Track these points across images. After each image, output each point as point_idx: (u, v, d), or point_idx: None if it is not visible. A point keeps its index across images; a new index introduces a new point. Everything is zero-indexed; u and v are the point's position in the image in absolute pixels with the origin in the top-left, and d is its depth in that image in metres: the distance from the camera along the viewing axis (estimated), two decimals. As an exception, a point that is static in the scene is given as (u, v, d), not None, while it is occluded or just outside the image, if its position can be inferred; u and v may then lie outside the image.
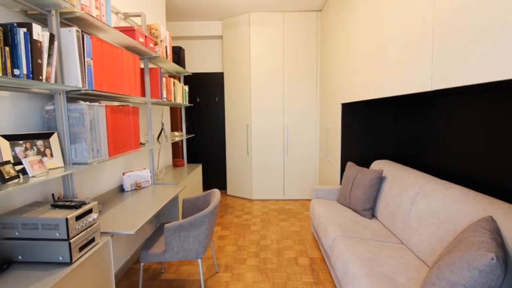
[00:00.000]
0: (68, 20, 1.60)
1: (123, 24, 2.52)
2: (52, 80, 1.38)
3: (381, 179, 2.50)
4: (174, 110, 4.63)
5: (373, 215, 2.48)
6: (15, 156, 1.31)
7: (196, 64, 4.75)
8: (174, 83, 3.04)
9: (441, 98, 2.19)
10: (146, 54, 2.46)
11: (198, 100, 4.82)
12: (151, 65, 2.93)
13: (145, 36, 2.31)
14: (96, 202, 1.45)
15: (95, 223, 1.43)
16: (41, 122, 1.57)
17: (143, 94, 2.51)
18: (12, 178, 1.19)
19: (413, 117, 2.61)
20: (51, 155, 1.47)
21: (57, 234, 1.23)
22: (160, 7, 3.35)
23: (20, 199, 1.43)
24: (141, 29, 2.38)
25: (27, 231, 1.24)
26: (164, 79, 2.75)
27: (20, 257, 1.26)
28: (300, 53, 4.14)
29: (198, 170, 3.66)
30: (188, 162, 4.91)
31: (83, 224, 1.33)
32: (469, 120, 1.88)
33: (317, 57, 4.14)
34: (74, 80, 1.50)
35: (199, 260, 1.95)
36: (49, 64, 1.36)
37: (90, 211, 1.39)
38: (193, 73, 4.76)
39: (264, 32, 4.11)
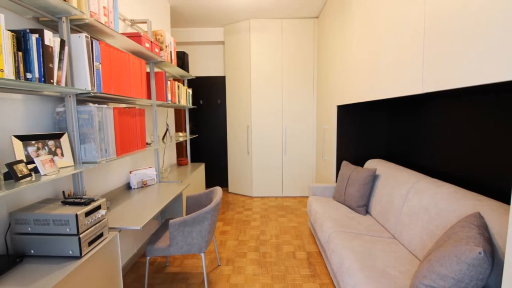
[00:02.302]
0: (78, 26, 1.61)
1: (130, 30, 2.52)
2: (63, 83, 1.38)
3: (374, 177, 2.50)
4: (178, 112, 4.63)
5: (367, 212, 2.48)
6: (27, 156, 1.31)
7: (199, 68, 4.75)
8: (178, 86, 3.04)
9: (432, 100, 2.19)
10: (151, 59, 2.46)
11: (201, 102, 4.82)
12: (156, 69, 2.93)
13: (151, 42, 2.30)
14: (105, 199, 1.45)
15: (103, 219, 1.42)
16: (52, 123, 1.57)
17: (149, 96, 2.51)
18: (24, 176, 1.19)
19: (405, 118, 2.61)
20: (62, 155, 1.47)
21: (68, 230, 1.23)
22: (165, 14, 3.35)
23: (32, 196, 1.43)
24: (147, 35, 2.38)
25: (39, 227, 1.24)
26: (169, 82, 2.75)
27: (32, 251, 1.26)
28: (298, 58, 4.14)
29: (201, 168, 3.66)
30: (192, 161, 4.91)
31: (92, 220, 1.33)
32: (458, 122, 1.88)
33: (314, 62, 4.14)
34: (84, 83, 1.50)
35: (202, 254, 1.95)
36: (59, 68, 1.36)
37: (98, 207, 1.39)
38: (196, 77, 4.76)
39: (263, 38, 4.11)
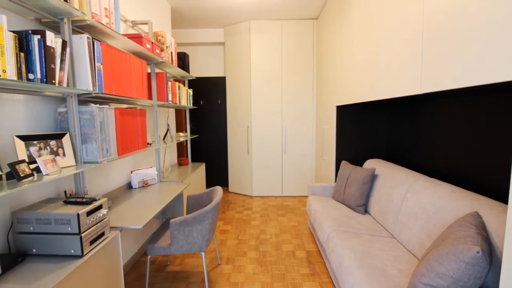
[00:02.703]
0: (80, 27, 1.61)
1: (131, 31, 2.52)
2: (65, 84, 1.38)
3: (373, 177, 2.50)
4: (179, 112, 4.63)
5: (366, 211, 2.48)
6: (29, 155, 1.31)
7: (199, 69, 4.75)
8: (179, 87, 3.04)
9: (431, 100, 2.19)
10: (152, 60, 2.46)
11: (201, 102, 4.82)
12: (157, 70, 2.93)
13: (152, 43, 2.30)
14: (106, 198, 1.45)
15: (104, 218, 1.42)
16: (54, 123, 1.57)
17: (150, 97, 2.51)
18: (27, 176, 1.19)
19: (404, 118, 2.61)
20: (64, 155, 1.47)
21: (69, 229, 1.23)
22: (166, 15, 3.35)
23: (34, 196, 1.43)
24: (148, 36, 2.38)
25: (41, 226, 1.24)
26: (169, 83, 2.75)
27: (34, 250, 1.26)
28: (298, 59, 4.14)
29: (201, 168, 3.66)
30: (192, 161, 4.91)
31: (94, 219, 1.33)
32: (457, 121, 1.88)
33: (314, 63, 4.14)
34: (85, 84, 1.50)
35: (203, 253, 1.95)
36: (61, 69, 1.36)
37: (100, 207, 1.39)
38: (197, 77, 4.76)
39: (263, 39, 4.11)
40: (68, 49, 1.40)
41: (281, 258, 2.49)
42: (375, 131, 3.08)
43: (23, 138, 1.30)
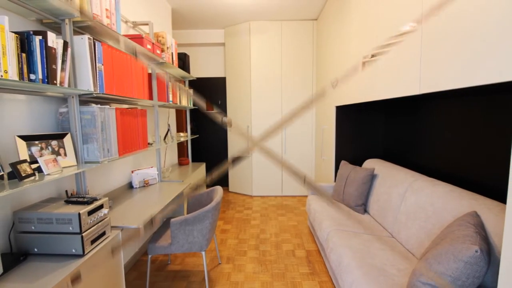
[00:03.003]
0: (81, 28, 1.61)
1: (132, 32, 2.52)
2: (66, 84, 1.38)
3: (372, 177, 2.50)
4: (180, 112, 4.63)
5: (365, 211, 2.48)
6: (31, 155, 1.31)
7: (200, 69, 4.75)
8: (179, 87, 3.04)
9: (430, 100, 2.19)
10: (153, 60, 2.46)
11: (202, 103, 4.82)
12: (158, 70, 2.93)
13: (153, 43, 2.30)
14: (107, 198, 1.45)
15: (105, 218, 1.42)
16: (55, 123, 1.57)
17: (150, 97, 2.51)
18: (28, 175, 1.19)
19: (403, 119, 2.61)
20: (65, 155, 1.47)
21: (71, 228, 1.23)
22: (166, 16, 3.35)
23: (35, 196, 1.43)
24: (148, 36, 2.38)
25: (42, 225, 1.24)
26: (170, 83, 2.75)
27: (36, 250, 1.26)
28: (297, 59, 4.14)
29: (202, 168, 3.66)
30: (193, 161, 4.91)
31: (95, 219, 1.33)
32: (455, 122, 1.88)
33: (313, 63, 4.14)
34: (86, 84, 1.50)
35: (203, 252, 1.95)
36: (63, 69, 1.36)
37: (101, 206, 1.39)
38: (197, 78, 4.76)
39: (263, 39, 4.11)
40: (69, 49, 1.40)
41: (281, 257, 2.49)
42: (374, 131, 3.08)
43: (24, 138, 1.30)
